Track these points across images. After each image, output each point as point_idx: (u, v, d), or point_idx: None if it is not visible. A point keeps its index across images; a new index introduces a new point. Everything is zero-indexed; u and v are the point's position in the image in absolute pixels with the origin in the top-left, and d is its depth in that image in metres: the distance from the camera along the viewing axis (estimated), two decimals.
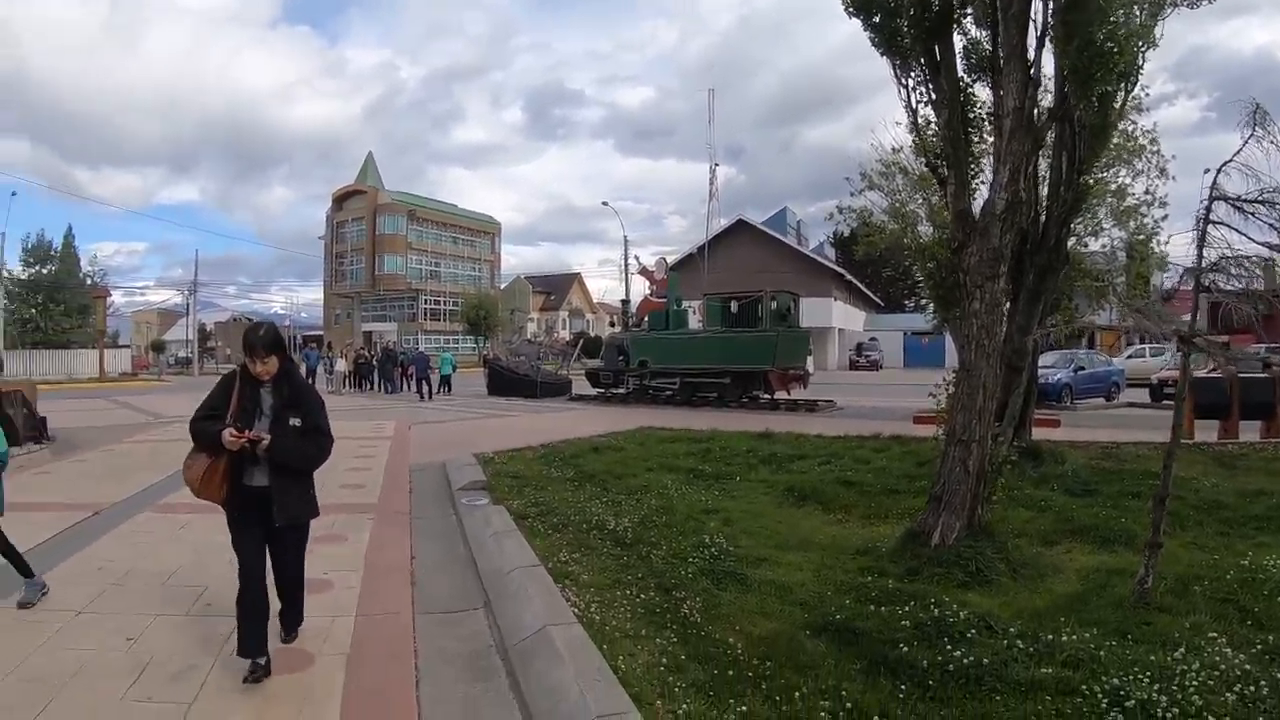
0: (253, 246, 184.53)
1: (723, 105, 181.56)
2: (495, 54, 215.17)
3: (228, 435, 3.71)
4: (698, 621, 4.07)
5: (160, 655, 4.05)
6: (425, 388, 25.99)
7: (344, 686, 3.66)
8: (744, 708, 3.21)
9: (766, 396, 19.48)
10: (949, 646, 3.67)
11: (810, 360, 22.04)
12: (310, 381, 4.25)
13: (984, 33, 6.50)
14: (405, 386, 28.44)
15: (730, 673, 3.55)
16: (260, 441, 3.74)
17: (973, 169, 6.53)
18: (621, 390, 22.88)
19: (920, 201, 12.40)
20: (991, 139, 6.45)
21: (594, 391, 23.98)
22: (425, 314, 72.44)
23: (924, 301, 24.87)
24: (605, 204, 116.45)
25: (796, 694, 3.32)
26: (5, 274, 14.21)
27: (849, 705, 3.23)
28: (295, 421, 3.87)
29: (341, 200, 76.31)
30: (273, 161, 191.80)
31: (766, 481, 7.98)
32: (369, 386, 30.03)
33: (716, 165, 58.20)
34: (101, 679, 3.74)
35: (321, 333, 70.16)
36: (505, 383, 25.61)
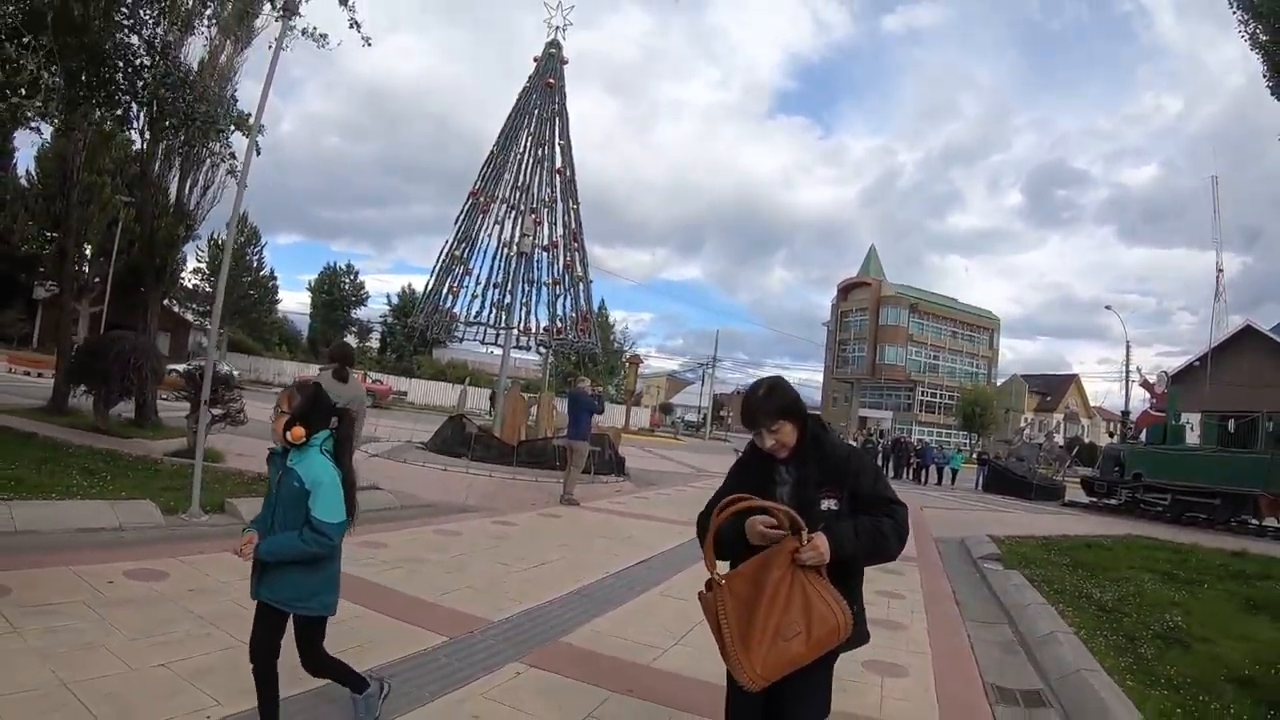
0: (750, 325, 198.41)
1: (1238, 179, 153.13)
2: (993, 135, 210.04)
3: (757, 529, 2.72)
4: (1148, 658, 5.95)
5: None
6: (937, 476, 29.12)
7: (928, 632, 6.48)
8: (1165, 693, 5.14)
9: (1255, 522, 18.68)
10: None
11: None
12: None
13: None
14: (904, 474, 31.28)
15: (1163, 684, 5.25)
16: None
17: None
18: (1114, 501, 23.09)
19: None
20: None
21: (1086, 499, 24.43)
22: (921, 405, 74.00)
23: None
24: (1108, 308, 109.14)
25: (1201, 698, 4.99)
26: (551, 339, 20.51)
27: (1233, 711, 4.82)
28: (830, 505, 2.79)
29: (847, 291, 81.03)
30: (772, 245, 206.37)
31: (1230, 591, 9.02)
32: None
33: (1221, 271, 52.19)
34: None
35: (820, 413, 74.65)
36: (1002, 481, 27.14)
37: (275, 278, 62.85)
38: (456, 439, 17.82)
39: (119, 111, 11.15)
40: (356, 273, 68.66)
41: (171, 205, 15.88)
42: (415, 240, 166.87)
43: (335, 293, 66.05)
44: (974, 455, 36.92)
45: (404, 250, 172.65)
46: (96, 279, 23.31)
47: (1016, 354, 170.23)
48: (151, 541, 6.86)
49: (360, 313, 68.59)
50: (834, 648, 2.73)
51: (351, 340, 67.81)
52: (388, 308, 68.00)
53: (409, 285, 75.75)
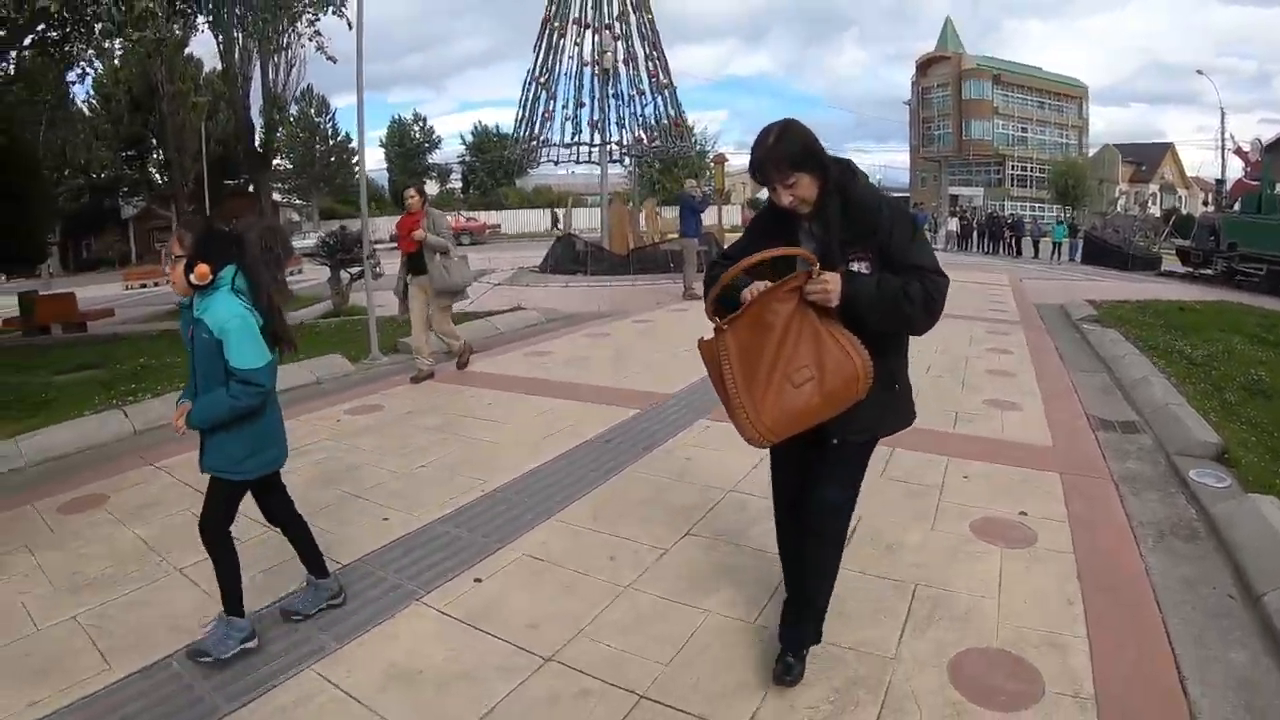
0: (827, 110, 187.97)
1: None
2: None
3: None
4: (1232, 403, 6.70)
5: None
6: (1034, 250, 30.20)
7: (1036, 378, 7.60)
8: (1243, 428, 5.97)
9: None
10: None
11: None
12: None
13: None
14: (1001, 249, 31.67)
15: (1243, 423, 5.98)
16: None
17: None
18: (1209, 271, 22.91)
19: None
20: None
21: (1182, 270, 24.39)
22: (1012, 180, 71.72)
23: None
24: (1200, 73, 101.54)
25: (1277, 435, 5.66)
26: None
27: None
28: (860, 268, 2.42)
29: (925, 66, 76.57)
30: (841, 25, 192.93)
31: None
32: (967, 246, 33.69)
33: None
34: None
35: (908, 194, 71.62)
36: (1099, 252, 27.36)
37: (350, 140, 63.34)
38: (568, 257, 18.96)
39: (209, 17, 11.76)
40: (424, 119, 68.34)
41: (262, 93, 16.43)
42: (470, 76, 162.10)
43: (407, 143, 66.07)
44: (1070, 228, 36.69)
45: (459, 88, 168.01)
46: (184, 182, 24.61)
47: (1108, 123, 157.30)
48: (352, 385, 7.82)
49: (435, 157, 68.70)
50: (868, 424, 2.61)
51: (434, 185, 68.32)
52: (464, 147, 67.83)
53: (479, 121, 74.96)
